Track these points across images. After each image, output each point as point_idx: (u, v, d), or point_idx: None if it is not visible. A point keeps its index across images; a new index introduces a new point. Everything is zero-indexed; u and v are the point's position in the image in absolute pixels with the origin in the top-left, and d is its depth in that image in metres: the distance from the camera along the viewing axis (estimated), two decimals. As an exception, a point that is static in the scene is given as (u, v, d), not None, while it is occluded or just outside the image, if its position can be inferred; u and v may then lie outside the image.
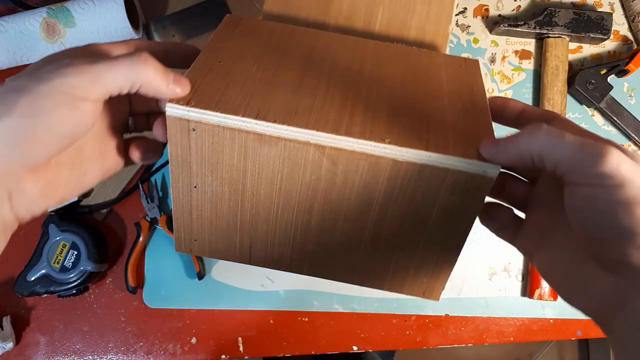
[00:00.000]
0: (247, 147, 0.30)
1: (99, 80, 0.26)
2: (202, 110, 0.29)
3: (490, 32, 0.67)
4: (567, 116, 0.65)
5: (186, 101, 0.29)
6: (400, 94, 0.33)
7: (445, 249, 0.33)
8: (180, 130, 0.30)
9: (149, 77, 0.28)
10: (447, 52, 0.44)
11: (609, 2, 0.67)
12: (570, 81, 0.64)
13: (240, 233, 0.35)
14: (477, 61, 0.38)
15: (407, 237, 0.33)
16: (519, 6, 0.67)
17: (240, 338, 0.63)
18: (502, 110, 0.33)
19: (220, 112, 0.29)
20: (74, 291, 0.59)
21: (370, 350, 0.64)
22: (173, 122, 0.29)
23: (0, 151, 0.25)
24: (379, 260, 0.34)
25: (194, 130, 0.29)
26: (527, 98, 0.66)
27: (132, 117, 0.36)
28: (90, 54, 0.30)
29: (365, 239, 0.33)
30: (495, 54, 0.66)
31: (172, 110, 0.29)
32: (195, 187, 0.32)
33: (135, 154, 0.34)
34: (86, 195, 0.62)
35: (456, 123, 0.31)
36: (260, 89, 0.31)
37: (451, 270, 0.34)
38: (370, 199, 0.31)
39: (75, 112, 0.26)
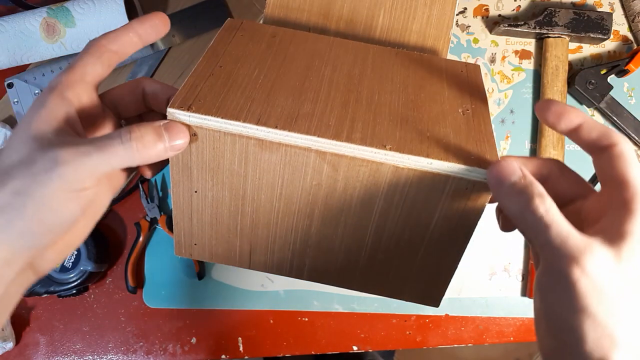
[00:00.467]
0: (247, 152, 0.30)
1: (96, 171, 0.27)
2: (203, 116, 0.28)
3: (490, 32, 0.67)
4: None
5: (187, 106, 0.29)
6: (401, 99, 0.33)
7: (445, 256, 0.33)
8: None
9: (146, 155, 0.27)
10: (447, 52, 0.44)
11: (609, 2, 0.67)
12: (570, 81, 0.64)
13: (240, 238, 0.35)
14: (478, 66, 0.38)
15: (408, 243, 0.33)
16: (519, 6, 0.67)
17: (240, 338, 0.63)
18: (557, 121, 0.29)
19: (221, 118, 0.28)
20: (74, 291, 0.59)
21: (370, 350, 0.64)
22: None
23: (18, 247, 0.26)
24: (379, 266, 0.34)
25: (194, 135, 0.29)
26: (527, 98, 0.66)
27: (124, 121, 0.36)
28: (72, 123, 0.28)
29: (365, 245, 0.33)
30: (495, 54, 0.66)
31: (173, 115, 0.29)
32: (195, 191, 0.32)
33: (147, 172, 0.33)
34: (86, 195, 0.62)
35: (457, 129, 0.31)
36: (261, 94, 0.31)
37: (451, 276, 0.34)
38: (371, 205, 0.31)
39: (80, 200, 0.27)
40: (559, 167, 0.31)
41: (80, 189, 0.26)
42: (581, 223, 0.28)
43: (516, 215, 0.26)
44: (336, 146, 0.29)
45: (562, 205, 0.29)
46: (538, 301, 0.28)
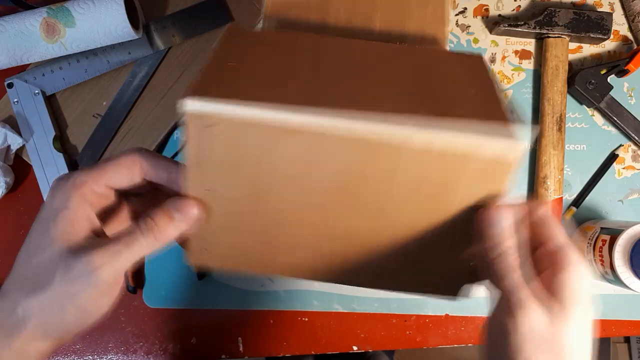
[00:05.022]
0: (269, 141, 0.28)
1: (127, 266, 0.29)
2: (220, 103, 0.27)
3: (490, 32, 0.67)
4: (567, 116, 0.64)
5: (202, 93, 0.27)
6: (413, 85, 0.32)
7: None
8: (199, 127, 0.28)
9: (166, 238, 0.29)
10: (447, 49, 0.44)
11: (609, 2, 0.67)
12: (570, 81, 0.64)
13: (259, 239, 0.33)
14: (480, 55, 0.38)
15: (440, 231, 0.31)
16: (519, 6, 0.67)
17: (240, 338, 0.63)
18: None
19: (239, 104, 0.27)
20: (74, 291, 0.59)
21: (370, 350, 0.64)
22: (192, 119, 0.27)
23: (48, 341, 0.30)
24: (413, 258, 0.33)
25: (212, 126, 0.28)
26: (527, 98, 0.66)
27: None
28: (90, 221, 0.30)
29: (398, 236, 0.32)
30: (495, 54, 0.66)
31: (191, 106, 0.27)
32: (208, 190, 0.31)
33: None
34: (86, 195, 0.63)
35: (474, 107, 0.30)
36: (275, 83, 0.30)
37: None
38: (403, 188, 0.29)
39: (112, 295, 0.30)
40: (541, 213, 0.32)
41: (114, 286, 0.29)
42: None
43: (486, 260, 0.29)
44: (361, 126, 0.27)
45: (533, 248, 0.31)
46: (482, 349, 0.30)
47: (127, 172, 0.31)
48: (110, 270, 0.28)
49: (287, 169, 0.29)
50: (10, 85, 0.61)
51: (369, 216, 0.31)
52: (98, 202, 0.31)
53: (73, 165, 0.62)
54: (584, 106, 0.66)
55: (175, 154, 0.63)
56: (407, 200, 0.30)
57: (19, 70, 0.62)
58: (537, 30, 0.64)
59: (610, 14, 0.64)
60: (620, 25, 0.67)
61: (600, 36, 0.63)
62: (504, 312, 0.28)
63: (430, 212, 0.31)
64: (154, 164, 0.31)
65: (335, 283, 0.34)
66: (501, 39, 0.67)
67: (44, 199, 0.60)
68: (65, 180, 0.30)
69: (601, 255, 0.55)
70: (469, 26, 0.67)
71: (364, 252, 0.33)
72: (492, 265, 0.28)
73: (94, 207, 0.30)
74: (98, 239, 0.29)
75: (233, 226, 0.32)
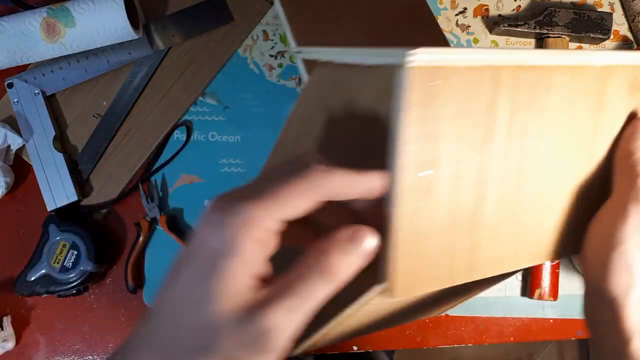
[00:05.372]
0: (501, 84, 0.24)
1: (303, 320, 0.23)
2: (447, 54, 0.22)
3: (490, 32, 0.67)
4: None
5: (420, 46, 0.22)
6: None
7: None
8: (424, 87, 0.22)
9: (342, 279, 0.23)
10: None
11: (609, 2, 0.67)
12: (570, 81, 0.64)
13: (470, 227, 0.26)
14: None
15: (594, 170, 0.31)
16: (519, 6, 0.67)
17: (240, 338, 0.63)
18: None
19: (465, 52, 0.22)
20: (74, 291, 0.59)
21: (370, 350, 0.64)
22: (417, 76, 0.22)
23: None
24: (578, 213, 0.31)
25: (443, 80, 0.22)
26: (527, 98, 0.66)
27: None
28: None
29: (573, 187, 0.30)
30: (495, 54, 0.66)
31: (419, 58, 0.21)
32: (427, 171, 0.24)
33: None
34: (86, 195, 0.62)
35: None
36: None
37: None
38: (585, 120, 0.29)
39: (280, 353, 0.24)
40: None
41: (288, 346, 0.24)
42: None
43: (629, 151, 0.30)
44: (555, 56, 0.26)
45: None
46: (587, 234, 0.31)
47: (308, 198, 0.24)
48: (285, 330, 0.23)
49: (510, 117, 0.25)
50: (10, 85, 0.61)
51: (562, 169, 0.29)
52: (271, 242, 0.24)
53: (73, 165, 0.62)
54: (584, 106, 0.66)
55: (175, 154, 0.63)
56: (580, 131, 0.29)
57: (19, 70, 0.62)
58: (537, 30, 0.64)
59: (610, 14, 0.64)
60: (620, 25, 0.67)
61: (600, 36, 0.63)
62: (631, 200, 0.29)
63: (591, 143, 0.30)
64: (338, 181, 0.24)
65: (531, 265, 0.30)
66: (501, 39, 0.67)
67: (45, 199, 0.60)
68: (230, 213, 0.23)
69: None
70: (469, 26, 0.67)
71: (555, 215, 0.30)
72: (633, 165, 0.30)
73: (267, 250, 0.24)
74: (267, 290, 0.24)
75: (446, 223, 0.25)
